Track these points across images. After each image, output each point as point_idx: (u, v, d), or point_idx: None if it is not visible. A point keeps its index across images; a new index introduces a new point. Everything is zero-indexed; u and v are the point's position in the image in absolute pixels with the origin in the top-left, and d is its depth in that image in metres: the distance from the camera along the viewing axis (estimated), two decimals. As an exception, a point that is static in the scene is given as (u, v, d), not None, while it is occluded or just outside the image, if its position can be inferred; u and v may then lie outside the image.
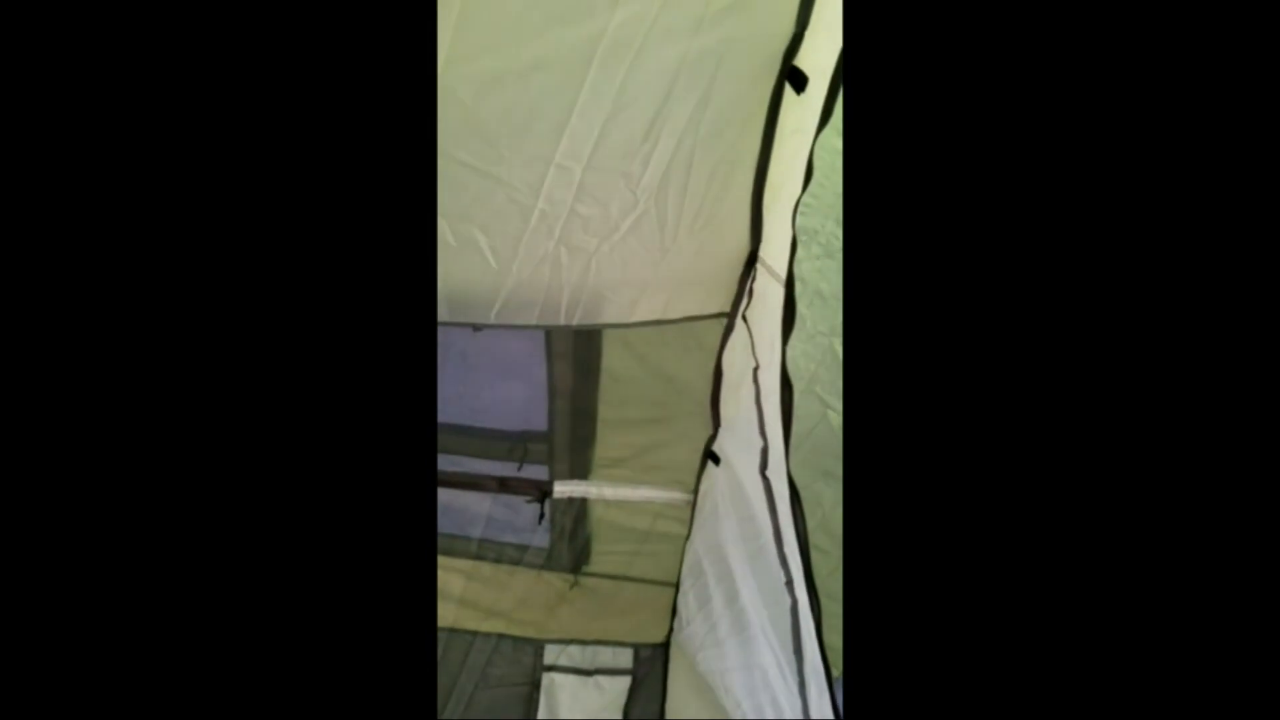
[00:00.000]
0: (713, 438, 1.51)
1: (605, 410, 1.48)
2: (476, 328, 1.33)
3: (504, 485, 1.57)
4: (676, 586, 1.64)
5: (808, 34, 0.98)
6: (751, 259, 1.27)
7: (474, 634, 1.69)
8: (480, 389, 1.45)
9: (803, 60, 1.00)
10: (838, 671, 1.16)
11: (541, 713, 1.69)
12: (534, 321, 1.33)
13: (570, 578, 1.67)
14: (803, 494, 1.19)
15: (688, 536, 1.60)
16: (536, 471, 1.55)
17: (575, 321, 1.34)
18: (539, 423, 1.49)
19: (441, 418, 1.48)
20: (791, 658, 1.20)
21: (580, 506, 1.59)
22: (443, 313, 1.31)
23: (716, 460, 1.50)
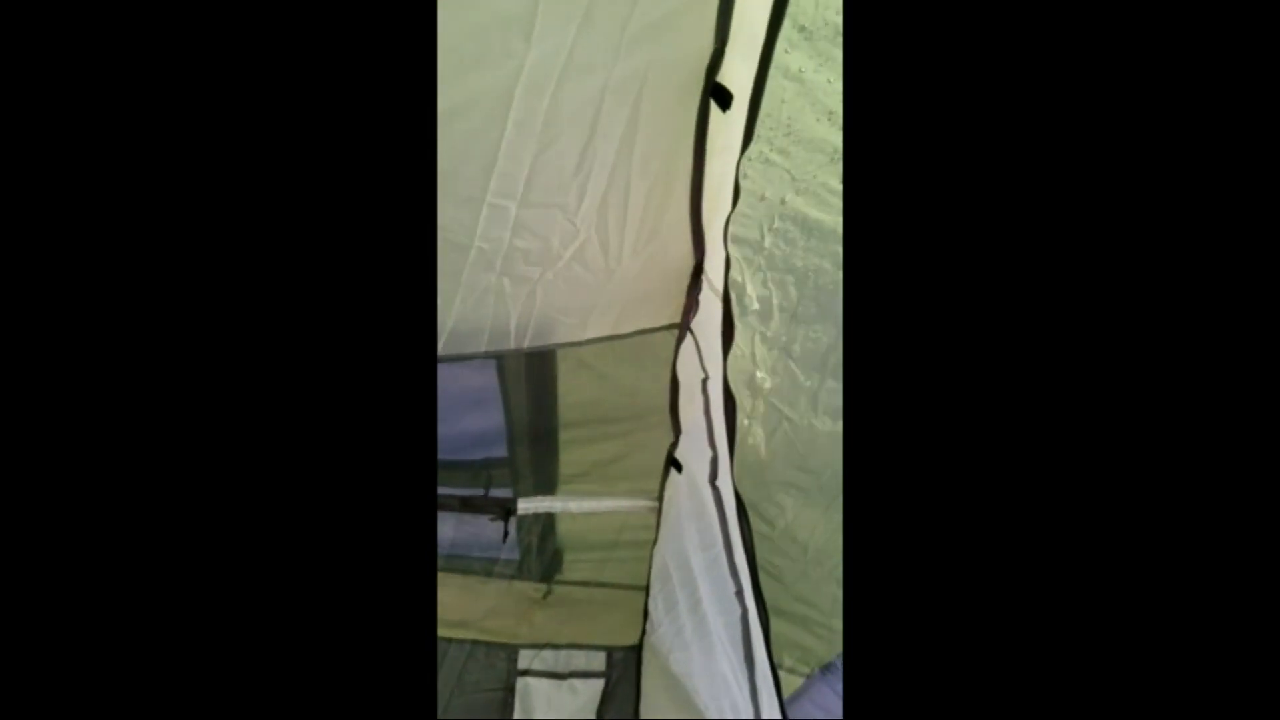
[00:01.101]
0: (674, 445, 1.51)
1: (566, 427, 1.48)
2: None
3: (467, 504, 1.57)
4: (646, 590, 1.66)
5: (727, 50, 0.96)
6: (697, 270, 1.25)
7: (448, 641, 1.72)
8: (444, 423, 1.44)
9: (725, 77, 0.98)
10: (790, 686, 1.18)
11: (517, 715, 1.72)
12: (483, 349, 1.32)
13: (542, 587, 1.69)
14: (764, 504, 1.20)
15: (654, 541, 1.62)
16: (501, 492, 1.56)
17: (526, 344, 1.33)
18: (499, 450, 1.49)
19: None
20: (743, 665, 1.22)
21: (547, 521, 1.60)
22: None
23: (679, 467, 1.51)
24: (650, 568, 1.64)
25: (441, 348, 1.28)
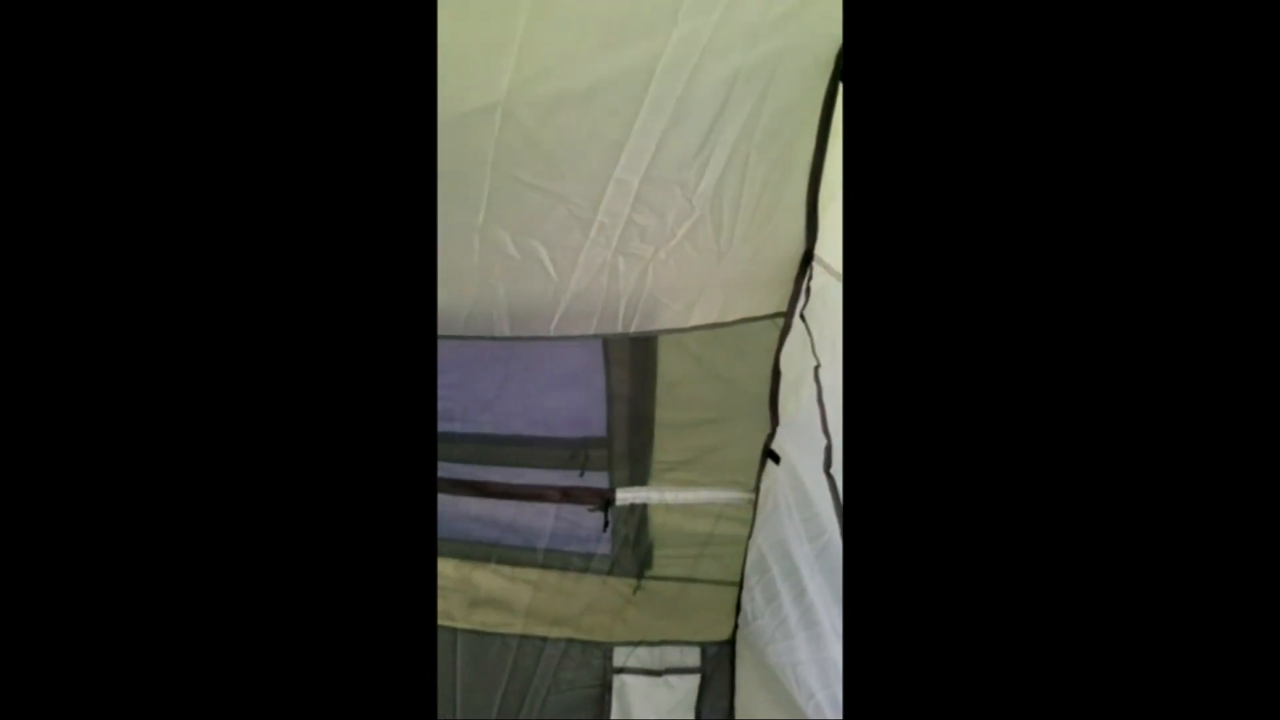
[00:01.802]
0: (771, 436, 1.52)
1: (663, 414, 1.50)
2: (537, 340, 1.36)
3: (567, 495, 1.60)
4: (740, 584, 1.65)
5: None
6: (808, 257, 1.28)
7: (544, 640, 1.73)
8: (542, 398, 1.48)
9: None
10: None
11: (615, 713, 1.72)
12: (592, 331, 1.35)
13: (634, 583, 1.69)
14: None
15: (750, 534, 1.62)
16: (597, 479, 1.58)
17: (632, 329, 1.36)
18: (598, 429, 1.52)
19: (505, 429, 1.52)
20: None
21: (641, 513, 1.62)
22: (505, 328, 1.34)
23: (776, 459, 1.52)
24: (745, 561, 1.64)
25: (554, 327, 1.32)
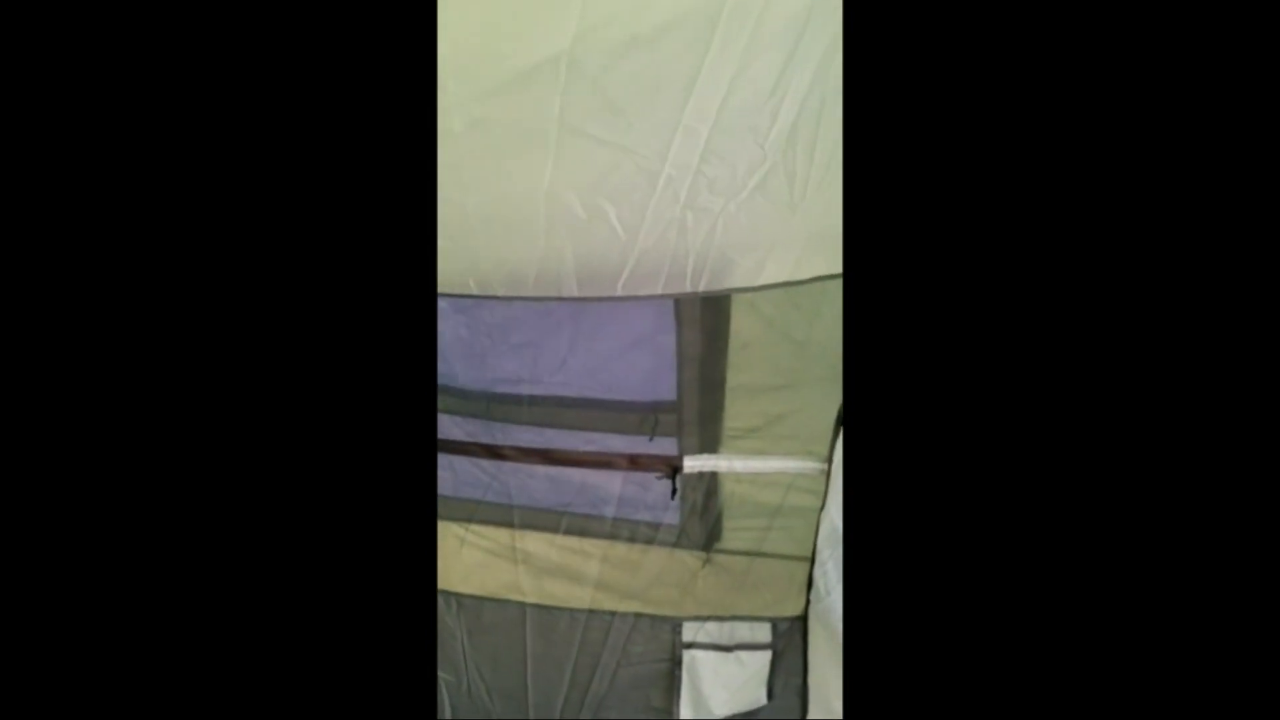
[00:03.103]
0: (845, 403, 1.47)
1: (734, 378, 1.46)
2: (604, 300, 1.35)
3: (634, 462, 1.58)
4: (812, 559, 1.60)
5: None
6: (884, 210, 1.23)
7: (612, 614, 1.71)
8: (610, 361, 1.47)
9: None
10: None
11: (685, 688, 1.69)
12: (660, 290, 1.33)
13: (703, 555, 1.66)
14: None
15: (822, 506, 1.57)
16: (666, 446, 1.55)
17: (702, 287, 1.33)
18: (668, 392, 1.49)
19: (573, 392, 1.51)
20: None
21: (711, 481, 1.59)
22: (573, 287, 1.33)
23: (850, 425, 1.46)
24: (817, 534, 1.59)
25: (621, 286, 1.30)
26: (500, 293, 1.38)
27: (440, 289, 1.36)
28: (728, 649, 1.68)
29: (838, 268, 1.31)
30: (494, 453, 1.63)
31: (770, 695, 1.69)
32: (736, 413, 1.50)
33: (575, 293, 1.34)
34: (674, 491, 1.56)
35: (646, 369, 1.49)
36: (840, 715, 1.43)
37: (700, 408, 1.49)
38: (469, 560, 1.75)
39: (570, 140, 1.10)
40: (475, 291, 1.37)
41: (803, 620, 1.65)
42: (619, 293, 1.33)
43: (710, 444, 1.54)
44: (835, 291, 1.34)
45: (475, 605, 1.77)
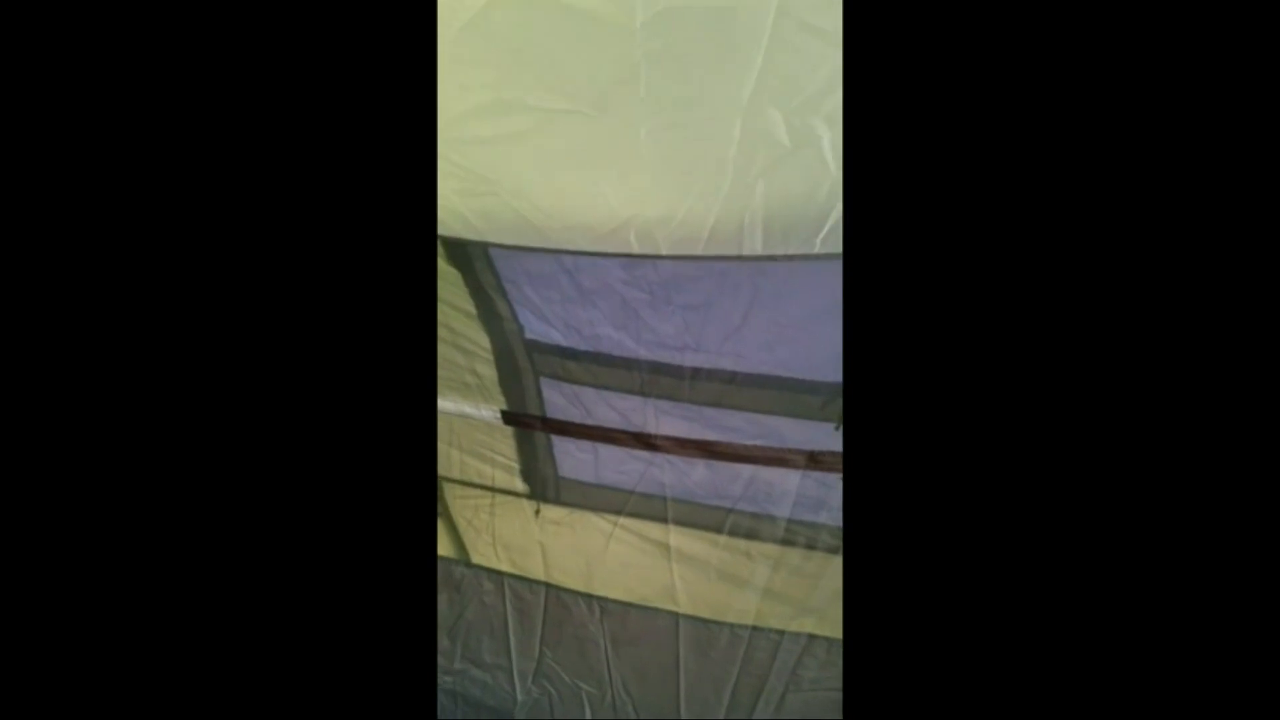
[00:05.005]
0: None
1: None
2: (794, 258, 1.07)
3: (814, 460, 1.30)
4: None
5: None
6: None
7: (781, 633, 1.46)
8: (793, 331, 1.19)
9: None
10: None
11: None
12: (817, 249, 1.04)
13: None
14: None
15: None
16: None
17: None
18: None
19: (745, 366, 1.24)
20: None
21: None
22: (757, 242, 1.06)
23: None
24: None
25: (821, 241, 1.02)
26: (665, 250, 1.12)
27: (591, 245, 1.13)
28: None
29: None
30: (646, 442, 1.40)
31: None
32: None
33: (759, 249, 1.07)
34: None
35: (837, 344, 1.20)
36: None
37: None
38: (615, 558, 1.54)
39: (786, 37, 0.82)
40: (636, 250, 1.13)
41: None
42: (816, 249, 1.05)
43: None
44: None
45: (621, 611, 1.57)
